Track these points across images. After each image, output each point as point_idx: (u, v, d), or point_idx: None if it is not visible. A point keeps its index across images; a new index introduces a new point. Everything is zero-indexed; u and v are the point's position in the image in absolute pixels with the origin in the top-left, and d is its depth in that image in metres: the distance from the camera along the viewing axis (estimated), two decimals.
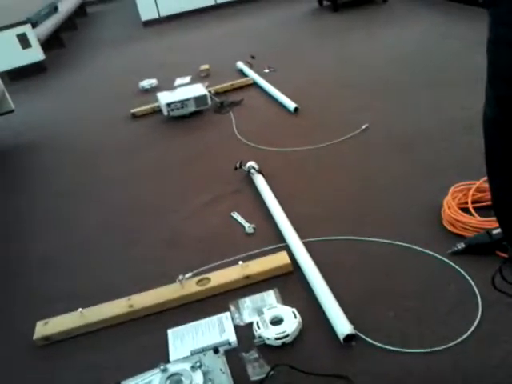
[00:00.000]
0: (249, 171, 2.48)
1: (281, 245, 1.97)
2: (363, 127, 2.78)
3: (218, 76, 4.13)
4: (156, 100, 3.63)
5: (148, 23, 6.97)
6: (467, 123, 2.53)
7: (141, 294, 1.84)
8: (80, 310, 1.79)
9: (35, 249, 2.38)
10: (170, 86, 4.02)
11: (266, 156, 2.71)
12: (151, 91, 4.10)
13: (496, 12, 0.80)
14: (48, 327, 1.79)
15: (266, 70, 4.03)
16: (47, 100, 4.70)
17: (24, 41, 5.36)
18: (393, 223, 1.99)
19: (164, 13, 6.99)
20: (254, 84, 3.83)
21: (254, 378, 1.46)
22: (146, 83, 4.28)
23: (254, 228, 2.12)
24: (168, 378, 1.35)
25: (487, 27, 0.84)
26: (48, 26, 6.14)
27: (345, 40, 4.48)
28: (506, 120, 0.83)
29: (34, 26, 5.53)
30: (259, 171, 2.46)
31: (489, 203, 1.88)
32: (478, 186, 1.91)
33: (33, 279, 2.16)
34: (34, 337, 1.76)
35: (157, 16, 7.00)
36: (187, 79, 4.25)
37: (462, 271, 1.67)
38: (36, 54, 5.48)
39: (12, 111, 3.86)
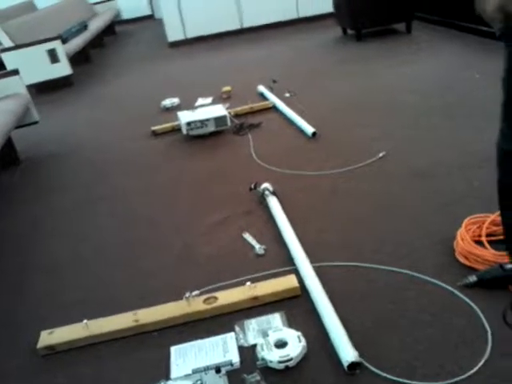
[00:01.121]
0: (263, 193, 2.49)
1: (290, 268, 1.96)
2: (380, 155, 2.77)
3: (239, 98, 4.18)
4: (177, 119, 3.68)
5: (174, 44, 7.11)
6: (484, 155, 2.50)
7: (147, 309, 1.84)
8: (85, 321, 1.79)
9: (46, 258, 2.40)
10: (191, 106, 4.08)
11: (282, 179, 2.71)
12: (172, 110, 4.16)
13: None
14: (52, 337, 1.79)
15: (287, 95, 4.06)
16: (71, 113, 4.80)
17: (53, 56, 5.51)
18: (405, 252, 1.96)
19: (190, 34, 7.13)
20: (274, 108, 3.86)
21: None
22: (168, 102, 4.35)
23: (264, 249, 2.11)
24: None
25: (503, 60, 0.85)
26: (77, 42, 6.31)
27: (367, 69, 4.50)
28: None
29: (63, 42, 5.69)
30: (273, 193, 2.47)
31: (503, 237, 1.85)
32: (493, 218, 1.88)
33: (41, 288, 2.18)
34: (38, 346, 1.76)
35: (183, 37, 7.14)
36: (209, 100, 4.31)
37: (472, 304, 1.64)
38: (64, 68, 5.63)
39: (36, 122, 3.94)
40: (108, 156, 3.55)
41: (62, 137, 4.14)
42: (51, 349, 1.76)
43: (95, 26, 7.49)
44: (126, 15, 10.37)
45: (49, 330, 1.82)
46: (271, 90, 4.21)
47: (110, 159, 3.48)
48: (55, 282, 2.20)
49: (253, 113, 3.82)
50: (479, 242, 1.83)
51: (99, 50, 7.88)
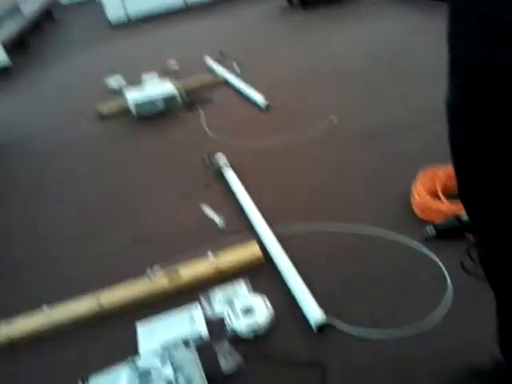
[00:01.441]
0: (219, 165, 2.45)
1: (252, 236, 1.94)
2: (332, 120, 2.78)
3: (187, 73, 4.08)
4: (124, 98, 3.57)
5: (116, 25, 6.87)
6: (436, 113, 2.52)
7: (109, 291, 1.79)
8: (45, 307, 1.73)
9: (6, 248, 2.30)
10: (138, 83, 3.95)
11: (237, 151, 2.68)
12: (119, 89, 4.03)
13: (453, 4, 0.81)
14: (12, 327, 1.72)
15: (236, 67, 4.00)
16: (13, 102, 4.57)
17: None
18: (363, 212, 1.98)
19: (132, 14, 6.91)
20: (224, 81, 3.80)
21: (227, 369, 1.42)
22: (114, 82, 4.21)
23: (224, 221, 2.09)
24: (137, 372, 1.31)
25: (446, 20, 0.85)
26: (11, 28, 6.00)
27: (315, 37, 4.48)
28: (466, 105, 0.84)
29: None
30: (229, 165, 2.44)
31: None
32: (446, 170, 1.91)
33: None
34: None
35: (125, 18, 6.91)
36: (155, 76, 4.19)
37: (432, 256, 1.67)
38: None
39: None
40: (56, 142, 3.41)
41: (5, 127, 3.94)
42: (12, 339, 1.69)
43: (29, 9, 7.13)
44: (64, 0, 9.93)
45: (8, 321, 1.75)
46: (220, 63, 4.14)
47: (59, 145, 3.34)
48: (10, 271, 2.11)
49: (202, 87, 3.75)
50: (435, 195, 1.87)
51: (38, 36, 7.50)
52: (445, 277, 1.59)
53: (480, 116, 0.82)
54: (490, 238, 0.96)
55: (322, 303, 1.55)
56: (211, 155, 2.52)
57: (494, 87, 0.76)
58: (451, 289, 1.54)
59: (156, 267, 1.80)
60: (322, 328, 1.48)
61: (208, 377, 1.33)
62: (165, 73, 4.18)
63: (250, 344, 1.50)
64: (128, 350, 1.54)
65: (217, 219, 2.11)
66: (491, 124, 0.80)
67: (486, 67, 0.76)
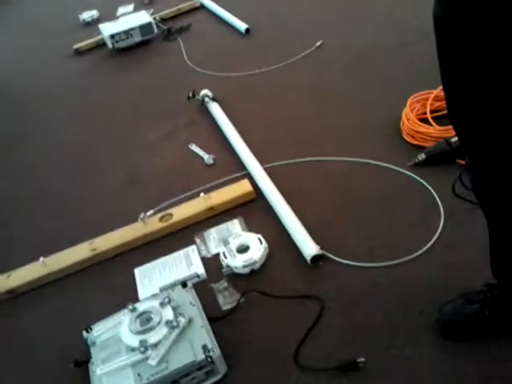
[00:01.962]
0: (203, 100, 2.38)
1: (242, 173, 1.93)
2: (317, 44, 2.68)
3: (163, 1, 3.88)
4: (99, 32, 3.41)
5: None
6: (423, 31, 2.44)
7: (103, 236, 1.80)
8: (41, 259, 1.74)
9: None
10: (112, 17, 3.76)
11: (220, 82, 2.60)
12: (93, 24, 3.86)
13: None
14: (11, 280, 1.74)
15: None
16: None
17: None
18: (352, 141, 1.96)
19: None
20: (202, 7, 3.62)
21: (226, 307, 1.46)
22: (87, 15, 4.00)
23: (213, 158, 2.06)
24: (137, 316, 1.34)
25: None
26: None
27: None
28: (454, 14, 0.79)
29: None
30: (214, 99, 2.37)
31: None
32: (436, 94, 1.88)
33: None
34: None
35: None
36: (130, 7, 3.99)
37: (423, 182, 1.67)
38: None
39: None
40: (31, 83, 3.29)
41: None
42: (12, 292, 1.71)
43: None
44: None
45: (5, 274, 1.76)
46: None
47: (35, 86, 3.23)
48: (2, 226, 2.10)
49: (180, 15, 3.58)
50: (425, 120, 1.84)
51: None
52: (435, 201, 1.60)
53: (467, 26, 0.78)
54: (480, 159, 0.95)
55: (314, 234, 1.57)
56: (195, 90, 2.44)
57: None
58: (442, 213, 1.56)
59: (149, 211, 1.79)
60: (316, 259, 1.50)
61: (208, 315, 1.36)
62: (141, 4, 3.97)
63: (246, 280, 1.53)
64: (128, 294, 1.56)
65: (205, 156, 2.08)
66: (479, 34, 0.77)
67: None
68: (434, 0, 0.84)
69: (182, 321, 1.31)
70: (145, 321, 1.33)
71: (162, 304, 1.35)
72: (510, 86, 0.79)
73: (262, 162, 1.92)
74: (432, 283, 1.38)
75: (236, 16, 3.21)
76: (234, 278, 1.54)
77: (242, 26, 3.06)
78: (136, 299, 1.53)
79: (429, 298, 1.33)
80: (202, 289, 1.50)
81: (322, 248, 1.52)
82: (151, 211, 1.80)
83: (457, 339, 1.22)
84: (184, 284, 1.44)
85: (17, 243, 1.96)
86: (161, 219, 1.79)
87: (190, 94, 2.42)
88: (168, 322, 1.30)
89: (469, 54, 0.81)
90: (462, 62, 0.83)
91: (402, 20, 2.70)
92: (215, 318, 1.40)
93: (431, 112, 1.86)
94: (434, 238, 1.49)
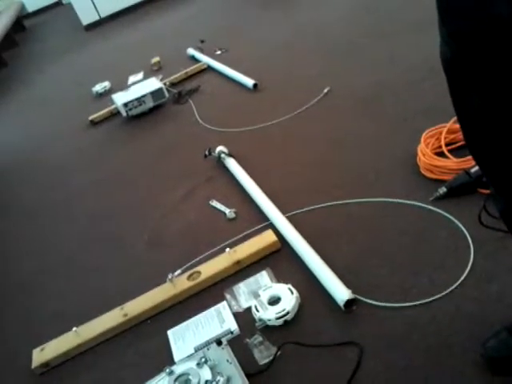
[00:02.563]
0: (219, 156, 2.43)
1: (265, 224, 1.93)
2: (325, 91, 2.74)
3: (171, 67, 4.03)
4: (112, 103, 3.54)
5: (90, 27, 6.77)
6: (427, 68, 2.50)
7: (133, 301, 1.80)
8: (74, 328, 1.74)
9: (16, 274, 2.31)
10: (124, 86, 3.91)
11: (234, 138, 2.66)
12: (105, 95, 4.00)
13: None
14: (45, 353, 1.73)
15: (218, 52, 3.95)
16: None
17: None
18: (371, 181, 1.97)
19: (104, 13, 6.79)
20: (209, 68, 3.75)
21: (263, 361, 1.43)
22: (99, 87, 4.16)
23: (235, 212, 2.08)
24: (176, 379, 1.32)
25: None
26: None
27: (287, 10, 4.40)
28: (464, 57, 0.80)
29: None
30: (230, 154, 2.41)
31: (462, 143, 1.87)
32: (449, 127, 1.89)
33: (20, 306, 2.09)
34: (33, 365, 1.70)
35: (97, 18, 6.80)
36: (140, 75, 4.15)
37: (448, 215, 1.66)
38: None
39: None
40: (51, 157, 3.39)
41: None
42: (46, 365, 1.71)
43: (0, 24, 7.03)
44: (31, 7, 9.76)
45: (40, 347, 1.76)
46: (201, 50, 4.08)
47: (54, 160, 3.33)
48: (32, 296, 2.12)
49: (188, 78, 3.70)
50: (440, 154, 1.85)
51: (12, 50, 7.42)
52: (463, 233, 1.58)
53: (478, 67, 0.79)
54: (505, 189, 0.95)
55: (345, 278, 1.55)
56: (211, 148, 2.49)
57: (490, 36, 0.73)
58: (471, 244, 1.54)
59: (176, 270, 1.79)
60: (349, 305, 1.48)
61: (245, 372, 1.33)
62: (149, 71, 4.13)
63: (281, 332, 1.51)
64: (163, 358, 1.55)
65: (227, 211, 2.09)
66: (491, 75, 0.78)
67: (481, 14, 0.72)
68: (440, 43, 0.85)
69: (221, 380, 1.28)
70: (183, 383, 1.31)
71: (199, 364, 1.33)
72: None
73: (283, 210, 1.93)
74: (471, 318, 1.34)
75: (242, 73, 3.31)
76: (268, 330, 1.52)
77: (249, 82, 3.15)
78: (172, 362, 1.51)
79: (470, 333, 1.30)
80: (237, 345, 1.48)
81: (353, 292, 1.49)
82: (179, 271, 1.81)
83: (505, 374, 1.17)
84: (219, 342, 1.42)
85: (48, 316, 1.97)
86: (189, 278, 1.79)
87: (207, 152, 2.47)
88: (207, 383, 1.27)
89: (481, 93, 0.82)
90: (475, 99, 0.84)
91: (403, 59, 2.76)
92: (253, 374, 1.38)
93: (446, 145, 1.87)
94: (467, 271, 1.46)
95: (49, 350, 1.74)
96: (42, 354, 1.73)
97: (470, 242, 1.55)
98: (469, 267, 1.47)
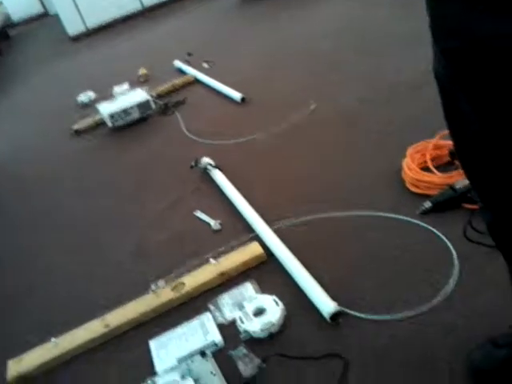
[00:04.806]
0: (205, 168, 2.42)
1: (250, 236, 1.92)
2: (311, 106, 2.76)
3: (158, 78, 4.03)
4: (97, 113, 3.51)
5: (76, 38, 6.76)
6: (410, 85, 2.54)
7: (115, 311, 1.76)
8: (53, 339, 1.69)
9: None
10: (108, 96, 3.89)
11: (220, 150, 2.65)
12: (90, 104, 3.98)
13: None
14: (22, 364, 1.68)
15: (205, 65, 3.96)
16: None
17: None
18: (357, 194, 1.98)
19: (91, 25, 6.80)
20: (196, 81, 3.76)
21: (247, 373, 1.41)
22: (84, 97, 4.14)
23: (220, 224, 2.07)
24: None
25: None
26: None
27: (275, 24, 4.46)
28: (455, 73, 0.82)
29: None
30: (216, 166, 2.41)
31: (448, 159, 1.90)
32: (435, 143, 1.91)
33: None
34: (8, 378, 1.65)
35: (84, 29, 6.80)
36: (126, 86, 4.13)
37: (433, 229, 1.67)
38: None
39: None
40: (34, 168, 3.35)
41: None
42: (23, 378, 1.66)
43: None
44: (16, 17, 9.72)
45: (17, 358, 1.71)
46: (188, 63, 4.09)
47: (37, 170, 3.28)
48: (12, 307, 2.07)
49: (175, 90, 3.70)
50: (426, 169, 1.87)
51: None
52: (448, 247, 1.59)
53: (468, 83, 0.80)
54: (494, 203, 0.96)
55: (330, 291, 1.54)
56: (197, 159, 2.48)
57: (478, 55, 0.74)
58: (457, 259, 1.55)
59: (160, 281, 1.77)
60: (335, 317, 1.47)
61: None
62: (136, 82, 4.13)
63: (266, 344, 1.49)
64: (144, 369, 1.52)
65: (212, 222, 2.08)
66: (480, 91, 0.79)
67: (469, 34, 0.74)
68: (433, 58, 0.87)
69: None
70: None
71: (183, 376, 1.31)
72: None
73: (269, 223, 1.93)
74: (456, 331, 1.34)
75: (229, 86, 3.32)
76: (253, 342, 1.50)
77: (236, 95, 3.16)
78: (153, 373, 1.48)
79: (454, 346, 1.30)
80: (221, 357, 1.46)
81: (339, 304, 1.49)
82: (162, 282, 1.78)
83: None
84: (203, 353, 1.40)
85: (26, 326, 1.92)
86: (173, 289, 1.77)
87: (193, 163, 2.46)
88: None
89: (472, 107, 0.84)
90: (467, 113, 0.85)
91: (388, 75, 2.80)
92: None
93: (431, 160, 1.89)
94: (452, 285, 1.47)
95: (27, 360, 1.69)
96: (20, 366, 1.68)
97: (455, 256, 1.55)
98: (453, 281, 1.48)
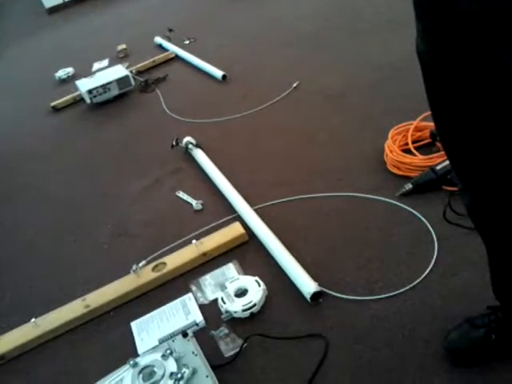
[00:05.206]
0: (187, 147, 2.40)
1: (232, 216, 1.92)
2: (294, 85, 2.74)
3: (138, 54, 3.96)
4: (76, 89, 3.44)
5: (53, 10, 6.58)
6: (395, 66, 2.54)
7: (96, 292, 1.75)
8: (33, 320, 1.68)
9: None
10: (88, 73, 3.81)
11: (202, 129, 2.63)
12: (69, 81, 3.89)
13: None
14: (1, 344, 1.67)
15: (186, 42, 3.90)
16: None
17: None
18: (339, 176, 1.98)
19: None
20: (177, 57, 3.69)
21: (228, 353, 1.42)
22: (62, 73, 4.05)
23: (202, 204, 2.06)
24: (140, 371, 1.29)
25: None
26: None
27: (258, 3, 4.38)
28: (437, 50, 0.82)
29: None
30: (197, 145, 2.39)
31: (428, 141, 1.91)
32: (416, 125, 1.92)
33: None
34: None
35: (61, 0, 6.60)
36: (105, 62, 4.06)
37: (413, 211, 1.69)
38: None
39: None
40: (11, 143, 3.28)
41: None
42: (2, 358, 1.64)
43: None
44: None
45: None
46: (169, 39, 4.02)
47: (15, 146, 3.21)
48: None
49: (156, 66, 3.64)
50: (407, 151, 1.88)
51: None
52: (428, 229, 1.61)
53: (449, 61, 0.81)
54: (475, 183, 0.97)
55: (311, 272, 1.55)
56: (178, 138, 2.46)
57: (458, 31, 0.75)
58: (436, 240, 1.57)
59: (141, 261, 1.76)
60: (316, 297, 1.49)
61: (211, 364, 1.32)
62: (116, 58, 4.04)
63: (247, 324, 1.50)
64: (126, 350, 1.52)
65: (193, 202, 2.07)
66: (461, 68, 0.80)
67: (450, 10, 0.74)
68: (416, 38, 0.87)
69: (187, 372, 1.26)
70: (148, 375, 1.28)
71: (164, 356, 1.31)
72: (498, 109, 0.82)
73: (251, 203, 1.92)
74: (434, 311, 1.37)
75: (211, 63, 3.27)
76: (234, 322, 1.51)
77: (218, 73, 3.12)
78: (135, 354, 1.48)
79: (433, 326, 1.32)
80: (203, 337, 1.46)
81: (320, 285, 1.50)
82: (143, 262, 1.77)
83: (466, 365, 1.20)
84: (185, 334, 1.40)
85: (5, 306, 1.90)
86: (154, 269, 1.76)
87: (174, 142, 2.43)
88: (172, 375, 1.25)
89: (453, 85, 0.84)
90: (448, 89, 0.86)
91: (373, 57, 2.78)
92: (219, 366, 1.37)
93: (413, 142, 1.90)
94: (431, 266, 1.49)
95: (5, 341, 1.68)
96: None
97: (435, 237, 1.58)
98: (433, 262, 1.50)
